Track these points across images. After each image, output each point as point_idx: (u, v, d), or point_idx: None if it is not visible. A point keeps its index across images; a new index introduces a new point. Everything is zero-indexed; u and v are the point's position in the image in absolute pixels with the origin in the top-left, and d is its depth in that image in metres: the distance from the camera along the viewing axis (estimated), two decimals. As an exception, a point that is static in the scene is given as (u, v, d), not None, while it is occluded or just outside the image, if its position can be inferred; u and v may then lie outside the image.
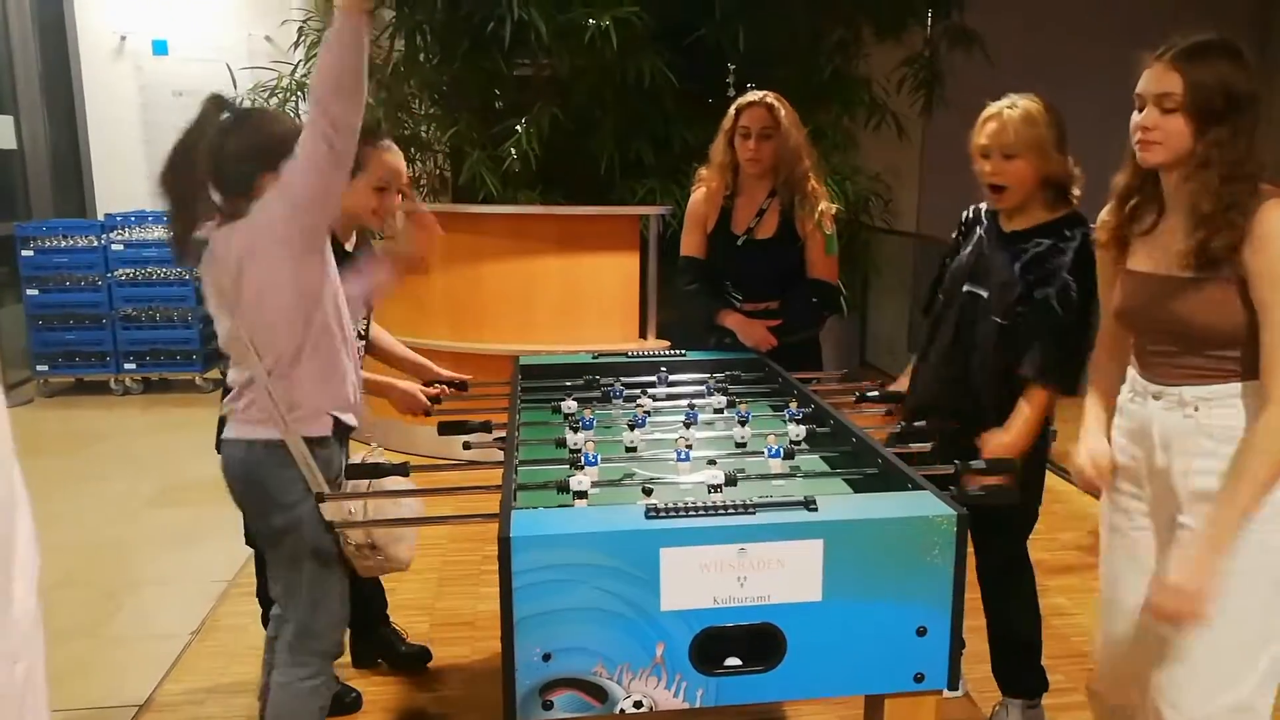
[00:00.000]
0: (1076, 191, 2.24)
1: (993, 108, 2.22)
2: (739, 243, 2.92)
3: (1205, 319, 1.66)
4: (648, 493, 1.75)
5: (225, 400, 2.00)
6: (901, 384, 2.55)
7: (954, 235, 2.47)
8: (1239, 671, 1.67)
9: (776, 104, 2.83)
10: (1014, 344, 2.20)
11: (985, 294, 2.27)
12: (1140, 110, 1.68)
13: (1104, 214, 1.86)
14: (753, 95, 2.87)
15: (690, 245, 3.01)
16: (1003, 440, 2.17)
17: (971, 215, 2.43)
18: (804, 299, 2.89)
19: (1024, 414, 2.19)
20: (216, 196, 1.88)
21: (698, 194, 3.00)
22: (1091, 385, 1.99)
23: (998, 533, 2.29)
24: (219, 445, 2.03)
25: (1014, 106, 2.19)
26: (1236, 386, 1.67)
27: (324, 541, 1.96)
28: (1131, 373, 1.85)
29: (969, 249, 2.37)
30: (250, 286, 1.85)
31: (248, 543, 2.39)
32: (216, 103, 1.89)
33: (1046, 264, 2.18)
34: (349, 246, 2.40)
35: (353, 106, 1.72)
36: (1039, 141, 2.15)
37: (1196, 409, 1.70)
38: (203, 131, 1.85)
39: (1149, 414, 1.78)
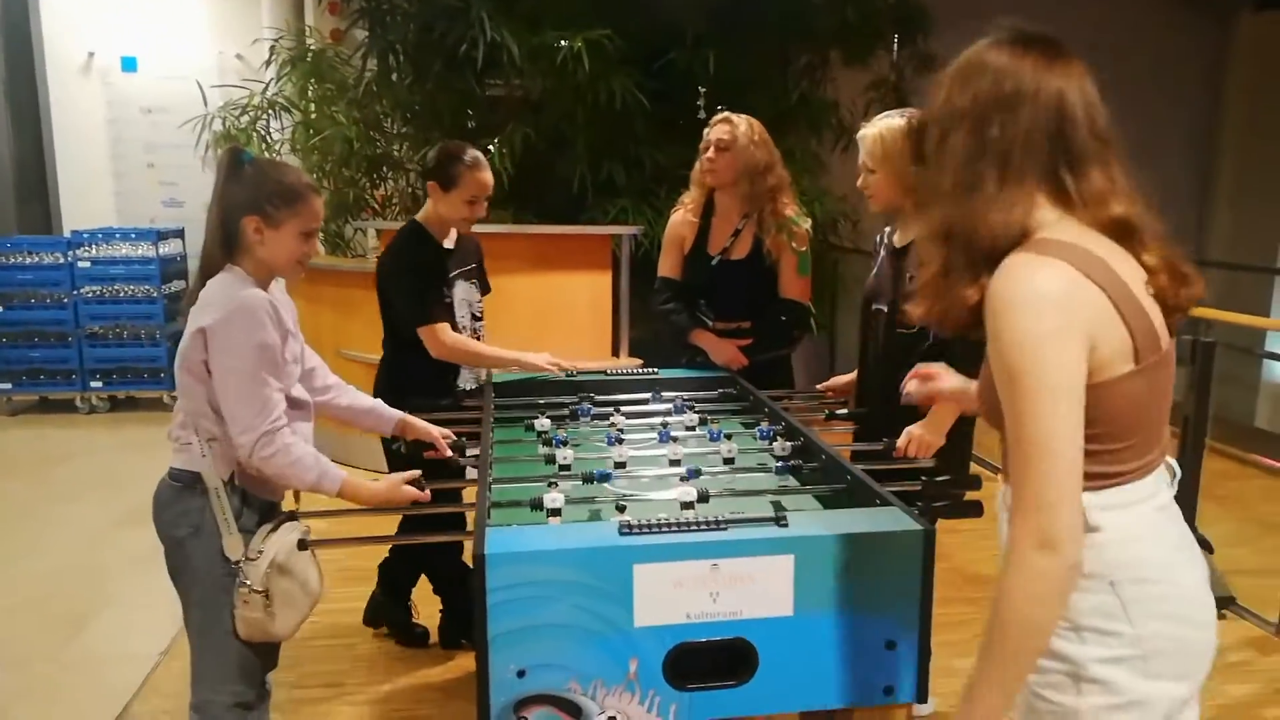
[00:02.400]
0: None
1: (862, 127, 2.45)
2: (713, 262, 2.97)
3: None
4: (621, 509, 1.77)
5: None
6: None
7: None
8: None
9: (736, 119, 2.90)
10: (919, 350, 2.29)
11: (885, 308, 2.46)
12: None
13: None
14: (720, 115, 2.95)
15: (666, 266, 3.07)
16: (925, 437, 2.26)
17: (879, 239, 2.60)
18: (774, 319, 2.94)
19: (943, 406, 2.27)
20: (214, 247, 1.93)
21: (676, 215, 3.07)
22: None
23: None
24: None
25: (873, 125, 2.41)
26: None
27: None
28: None
29: (874, 271, 2.55)
30: (186, 369, 1.89)
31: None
32: (231, 153, 1.94)
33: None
34: (448, 244, 2.89)
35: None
36: (886, 156, 2.36)
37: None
38: (218, 184, 1.93)
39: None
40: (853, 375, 2.68)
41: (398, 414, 2.29)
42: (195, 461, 1.90)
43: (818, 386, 2.77)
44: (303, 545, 1.89)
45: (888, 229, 2.57)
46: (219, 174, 1.94)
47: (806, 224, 2.96)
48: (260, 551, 1.87)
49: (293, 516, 1.95)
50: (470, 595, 1.47)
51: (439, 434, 2.28)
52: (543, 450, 2.19)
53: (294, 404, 1.99)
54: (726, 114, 2.94)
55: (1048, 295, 1.13)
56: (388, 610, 3.15)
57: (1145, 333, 1.18)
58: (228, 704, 1.95)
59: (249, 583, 1.86)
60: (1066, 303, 1.13)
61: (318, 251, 2.01)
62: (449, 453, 2.28)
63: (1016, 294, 1.14)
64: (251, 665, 1.97)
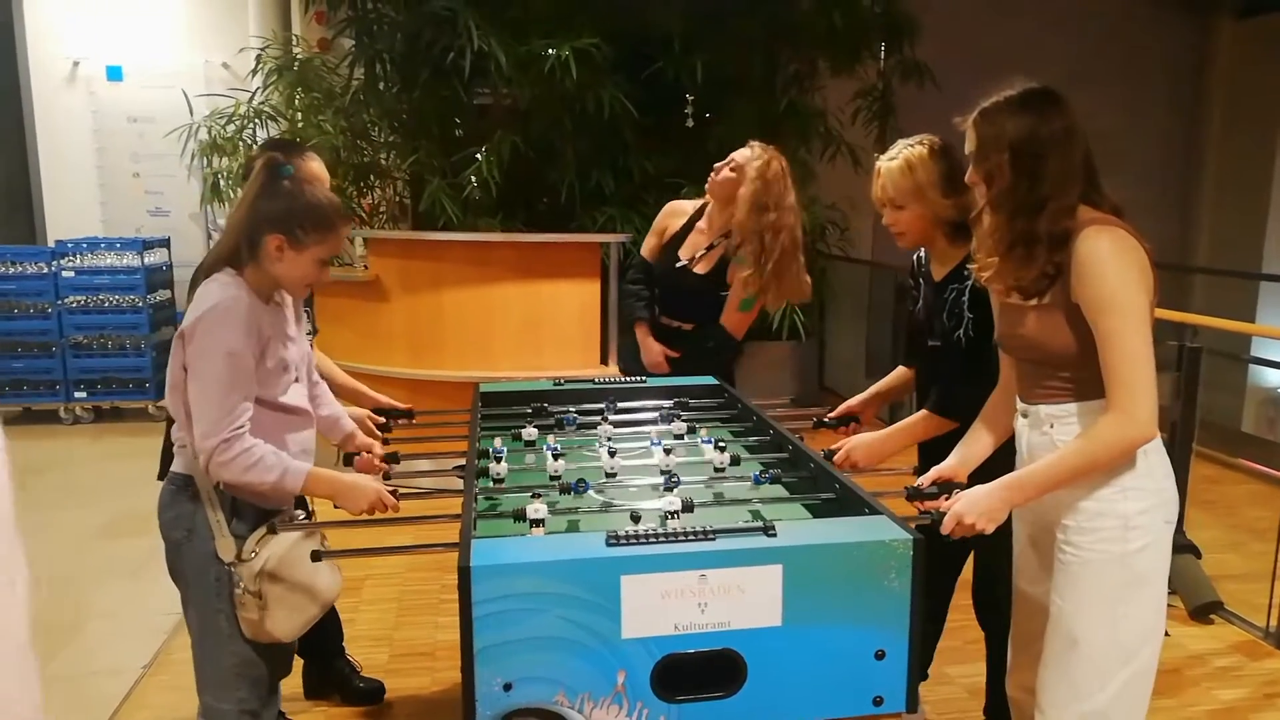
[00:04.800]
0: None
1: (879, 161, 2.29)
2: (677, 265, 3.07)
3: (1042, 341, 1.76)
4: (637, 519, 1.74)
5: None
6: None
7: (909, 282, 2.52)
8: (1097, 682, 1.74)
9: (764, 149, 2.93)
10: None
11: (940, 344, 2.34)
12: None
13: (984, 258, 1.82)
14: (758, 144, 2.98)
15: (645, 247, 3.23)
16: (861, 448, 2.27)
17: (916, 265, 2.49)
18: (703, 342, 3.04)
19: (900, 426, 2.29)
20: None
21: (673, 204, 3.22)
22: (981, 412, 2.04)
23: (976, 550, 2.34)
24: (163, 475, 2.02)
25: (894, 158, 2.23)
26: (1078, 406, 1.76)
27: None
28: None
29: (920, 304, 2.42)
30: (172, 373, 1.89)
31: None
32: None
33: (957, 307, 2.24)
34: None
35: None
36: (918, 188, 2.19)
37: (1051, 426, 1.79)
38: (251, 192, 1.91)
39: (1019, 430, 1.89)
40: (858, 398, 2.58)
41: (351, 425, 2.30)
42: (189, 464, 1.89)
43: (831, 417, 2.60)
44: (316, 556, 1.88)
45: (918, 256, 2.44)
46: (253, 182, 1.91)
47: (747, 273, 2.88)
48: (255, 553, 1.88)
49: (291, 518, 1.95)
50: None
51: (379, 453, 2.27)
52: (530, 460, 2.18)
53: (288, 410, 1.97)
54: (759, 143, 2.96)
55: (1125, 248, 1.65)
56: (325, 675, 2.86)
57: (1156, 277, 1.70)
58: (233, 711, 1.94)
59: (243, 584, 1.86)
60: (1135, 252, 1.66)
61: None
62: (383, 467, 2.25)
63: (1104, 250, 1.64)
64: (255, 671, 1.96)
